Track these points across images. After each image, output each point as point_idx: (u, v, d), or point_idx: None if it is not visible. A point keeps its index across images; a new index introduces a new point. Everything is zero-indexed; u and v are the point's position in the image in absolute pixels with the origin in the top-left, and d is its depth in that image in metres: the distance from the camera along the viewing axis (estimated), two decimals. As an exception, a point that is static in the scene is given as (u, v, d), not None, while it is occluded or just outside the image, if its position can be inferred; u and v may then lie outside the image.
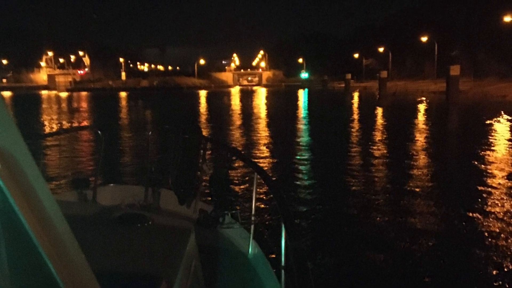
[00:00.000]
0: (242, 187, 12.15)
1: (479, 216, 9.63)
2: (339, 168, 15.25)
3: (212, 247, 3.98)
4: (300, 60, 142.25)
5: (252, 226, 3.88)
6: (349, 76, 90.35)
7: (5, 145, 1.14)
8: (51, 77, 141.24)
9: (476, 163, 15.38)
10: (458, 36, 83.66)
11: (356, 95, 73.28)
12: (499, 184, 12.48)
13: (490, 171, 14.11)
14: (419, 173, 14.23)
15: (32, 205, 1.20)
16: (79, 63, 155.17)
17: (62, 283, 1.26)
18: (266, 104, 57.71)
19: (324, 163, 16.40)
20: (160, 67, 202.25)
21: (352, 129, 26.85)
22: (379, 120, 33.12)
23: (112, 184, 5.46)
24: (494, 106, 40.09)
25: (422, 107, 45.64)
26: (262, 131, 26.30)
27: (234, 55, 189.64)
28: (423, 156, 17.39)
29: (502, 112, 33.37)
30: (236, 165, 13.50)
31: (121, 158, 17.36)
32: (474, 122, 29.84)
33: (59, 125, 32.50)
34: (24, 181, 1.19)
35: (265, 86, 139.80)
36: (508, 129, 24.94)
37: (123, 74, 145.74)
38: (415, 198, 11.27)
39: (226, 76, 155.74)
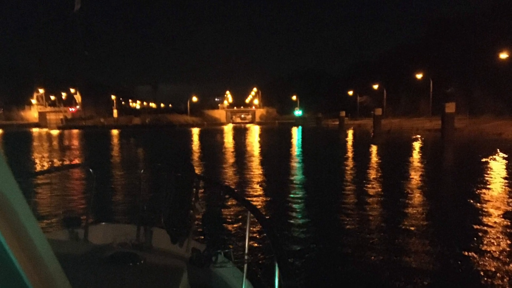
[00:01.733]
0: (235, 225, 12.05)
1: (475, 255, 9.56)
2: (333, 207, 15.18)
3: (205, 287, 3.92)
4: (294, 98, 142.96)
5: (245, 265, 3.82)
6: (343, 113, 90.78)
7: (-4, 183, 1.13)
8: (42, 115, 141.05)
9: (471, 201, 15.37)
10: (453, 73, 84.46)
11: (350, 133, 73.64)
12: (495, 222, 12.45)
13: (486, 210, 14.08)
14: (414, 211, 14.18)
15: (23, 243, 1.18)
16: (70, 101, 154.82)
17: None
18: (259, 142, 57.80)
19: (318, 202, 16.32)
20: (152, 105, 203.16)
21: (346, 167, 26.85)
22: (374, 158, 33.18)
23: (103, 223, 5.40)
24: (490, 144, 40.36)
25: (417, 144, 45.77)
26: (256, 169, 26.25)
27: (227, 92, 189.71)
28: (418, 195, 17.36)
29: (498, 150, 33.59)
30: (229, 203, 13.46)
31: (113, 196, 17.23)
32: (469, 160, 29.94)
33: (50, 163, 32.31)
34: (15, 219, 1.17)
35: (258, 123, 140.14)
36: (504, 167, 25.01)
37: (115, 111, 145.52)
38: (410, 237, 11.20)
39: (219, 114, 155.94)
